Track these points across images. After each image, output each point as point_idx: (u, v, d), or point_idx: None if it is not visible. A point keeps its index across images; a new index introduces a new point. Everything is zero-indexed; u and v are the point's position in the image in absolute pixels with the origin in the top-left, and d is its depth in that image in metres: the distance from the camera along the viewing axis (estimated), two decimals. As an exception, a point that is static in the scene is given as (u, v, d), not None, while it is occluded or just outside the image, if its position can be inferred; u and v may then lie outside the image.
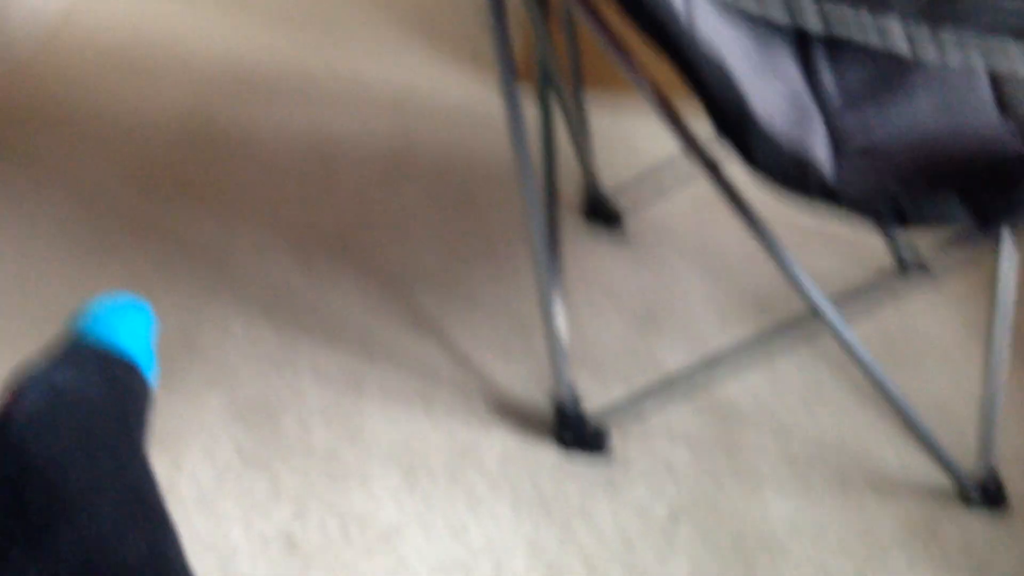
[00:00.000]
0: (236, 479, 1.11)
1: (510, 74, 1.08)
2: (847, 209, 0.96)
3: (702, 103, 0.97)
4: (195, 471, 1.12)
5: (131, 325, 0.61)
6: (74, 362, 0.56)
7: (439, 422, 1.19)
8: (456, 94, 1.89)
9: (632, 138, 1.74)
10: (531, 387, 1.25)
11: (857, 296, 1.08)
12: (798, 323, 1.08)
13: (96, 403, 0.56)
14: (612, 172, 1.63)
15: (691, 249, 1.49)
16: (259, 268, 1.42)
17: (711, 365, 1.14)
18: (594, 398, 1.23)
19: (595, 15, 0.99)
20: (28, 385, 0.54)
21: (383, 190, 1.62)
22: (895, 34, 0.78)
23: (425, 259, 1.46)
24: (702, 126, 1.00)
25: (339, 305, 1.36)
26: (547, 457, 1.16)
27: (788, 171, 0.96)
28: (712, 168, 0.99)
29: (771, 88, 1.15)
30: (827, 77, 1.26)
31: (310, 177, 1.65)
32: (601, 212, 1.54)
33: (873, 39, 0.82)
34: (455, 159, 1.71)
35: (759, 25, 1.24)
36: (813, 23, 0.80)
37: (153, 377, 0.63)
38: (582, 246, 1.49)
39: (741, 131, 0.96)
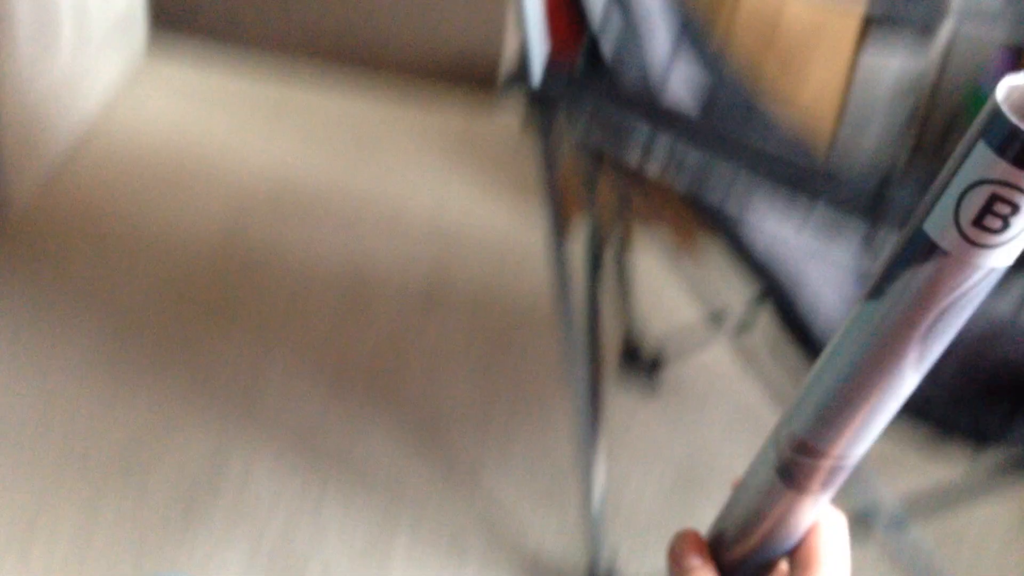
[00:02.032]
0: (256, 641, 1.05)
1: (558, 233, 1.05)
2: (927, 425, 0.92)
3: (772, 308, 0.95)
4: (213, 630, 1.06)
5: None
6: None
7: (471, 586, 1.13)
8: (494, 225, 1.89)
9: (674, 287, 1.72)
10: (565, 545, 1.20)
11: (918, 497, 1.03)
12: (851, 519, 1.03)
13: None
14: (652, 322, 1.60)
15: (733, 406, 1.45)
16: (288, 403, 1.38)
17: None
18: (632, 563, 1.18)
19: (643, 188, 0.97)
20: None
21: (417, 321, 1.59)
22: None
23: (459, 400, 1.42)
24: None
25: (370, 448, 1.32)
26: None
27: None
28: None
29: (823, 276, 1.13)
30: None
31: (343, 303, 1.63)
32: (639, 363, 1.50)
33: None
34: (491, 292, 1.69)
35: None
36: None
37: None
38: (620, 397, 1.45)
39: (804, 344, 0.93)
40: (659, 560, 1.19)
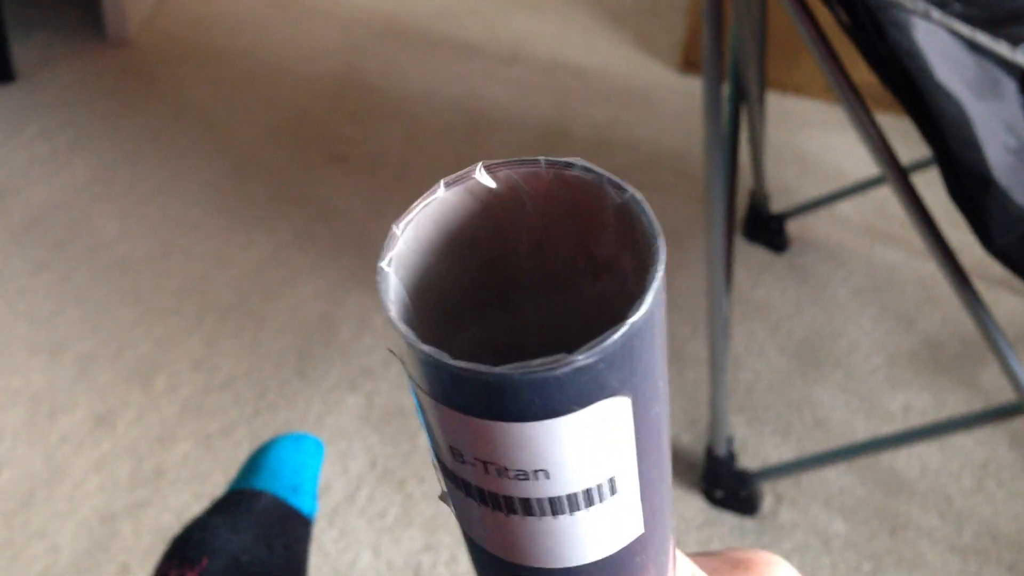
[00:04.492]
0: (368, 497, 1.07)
1: (717, 78, 0.96)
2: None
3: (935, 152, 0.85)
4: (328, 480, 1.08)
5: (300, 468, 0.55)
6: (250, 524, 0.51)
7: (581, 458, 1.13)
8: (616, 71, 1.79)
9: (804, 150, 1.62)
10: (678, 424, 1.18)
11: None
12: (996, 412, 0.97)
13: (274, 570, 0.51)
14: (779, 186, 1.52)
15: (862, 282, 1.38)
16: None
17: (882, 443, 1.04)
18: (748, 447, 1.15)
19: (804, 10, 0.87)
20: (210, 556, 0.49)
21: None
22: None
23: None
24: (900, 146, 0.89)
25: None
26: (692, 514, 1.09)
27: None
28: (911, 195, 0.87)
29: (992, 114, 1.02)
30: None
31: (458, 146, 1.58)
32: (765, 231, 1.43)
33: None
34: (611, 143, 1.61)
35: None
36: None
37: (315, 516, 0.57)
38: (742, 268, 1.39)
39: (978, 194, 0.83)
40: (773, 442, 1.16)
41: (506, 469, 0.16)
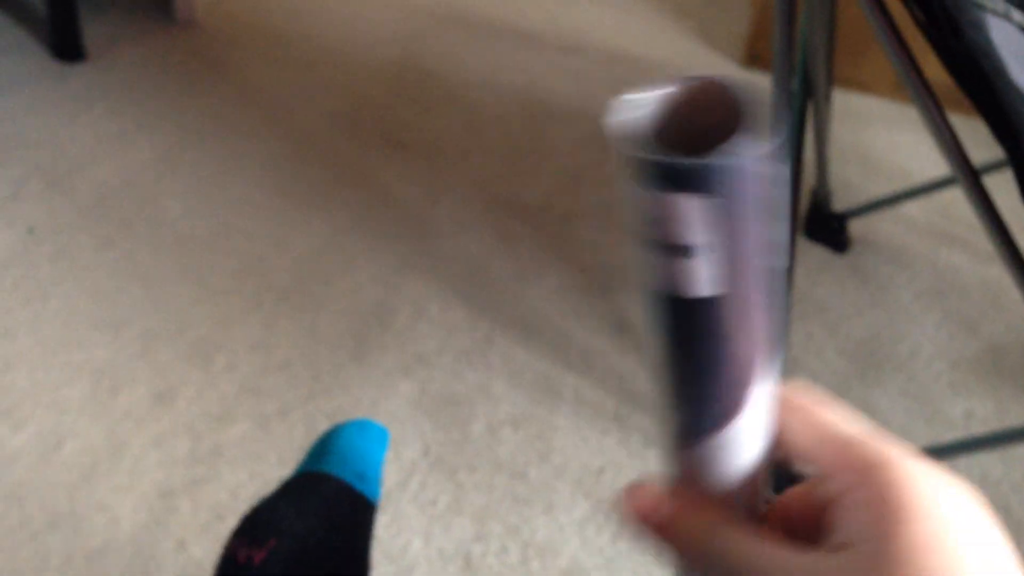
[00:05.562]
0: (420, 484, 1.08)
1: (786, 73, 0.95)
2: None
3: (1008, 154, 0.83)
4: (380, 466, 1.09)
5: (366, 455, 0.55)
6: (317, 507, 0.52)
7: (634, 452, 1.12)
8: (677, 64, 1.77)
9: (868, 148, 1.59)
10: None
11: None
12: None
13: (338, 553, 0.52)
14: (842, 185, 1.49)
15: (925, 286, 1.36)
16: (460, 244, 1.37)
17: (942, 450, 1.03)
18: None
19: (878, 5, 0.85)
20: (276, 536, 0.49)
21: (592, 163, 1.53)
22: None
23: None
24: (973, 149, 0.88)
25: (539, 298, 1.30)
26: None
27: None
28: (983, 197, 0.85)
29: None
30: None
31: (517, 135, 1.58)
32: (826, 230, 1.41)
33: None
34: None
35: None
36: None
37: (379, 502, 0.58)
38: (803, 268, 1.37)
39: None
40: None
41: (689, 225, 0.26)
